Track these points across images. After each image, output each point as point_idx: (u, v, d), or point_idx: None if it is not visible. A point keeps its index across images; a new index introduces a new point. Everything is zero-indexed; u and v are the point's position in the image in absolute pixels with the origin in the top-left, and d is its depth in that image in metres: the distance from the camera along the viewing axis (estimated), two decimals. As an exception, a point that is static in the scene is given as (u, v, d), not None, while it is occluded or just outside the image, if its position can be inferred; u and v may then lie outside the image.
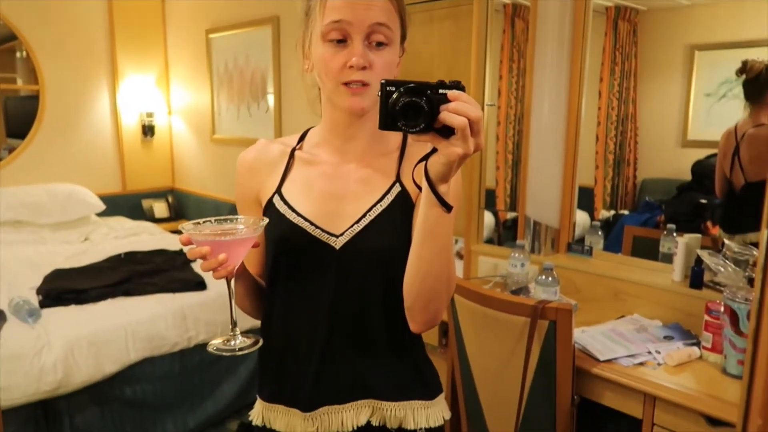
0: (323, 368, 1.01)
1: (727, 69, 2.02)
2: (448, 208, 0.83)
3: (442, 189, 0.81)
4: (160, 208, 4.69)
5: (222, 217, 0.95)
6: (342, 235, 0.99)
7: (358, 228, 0.99)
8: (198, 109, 4.51)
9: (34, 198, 3.89)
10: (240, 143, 4.08)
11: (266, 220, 0.93)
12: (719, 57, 2.16)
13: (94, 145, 4.49)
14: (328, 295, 1.00)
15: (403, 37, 1.01)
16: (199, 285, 2.81)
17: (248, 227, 0.92)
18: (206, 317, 2.69)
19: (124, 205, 4.59)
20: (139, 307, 2.62)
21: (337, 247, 0.99)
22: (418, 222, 0.87)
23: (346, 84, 0.93)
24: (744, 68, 1.93)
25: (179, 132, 4.79)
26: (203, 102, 4.43)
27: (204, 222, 0.93)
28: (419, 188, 0.86)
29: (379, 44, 0.94)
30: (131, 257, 3.28)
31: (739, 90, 2.01)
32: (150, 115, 4.65)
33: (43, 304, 2.56)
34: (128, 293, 2.72)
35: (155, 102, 4.69)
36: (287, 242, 1.00)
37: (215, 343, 0.93)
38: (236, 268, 0.92)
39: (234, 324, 0.95)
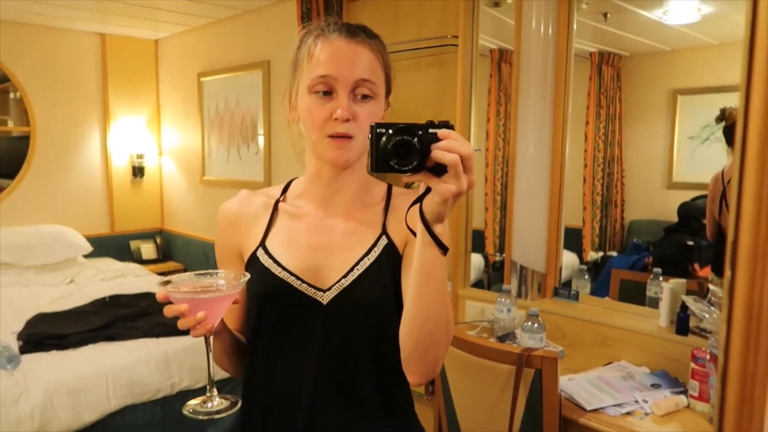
0: (311, 426, 0.98)
1: (709, 113, 2.06)
2: (444, 249, 0.82)
3: (438, 230, 0.81)
4: (148, 250, 4.66)
5: (202, 272, 0.93)
6: (329, 289, 0.97)
7: (346, 282, 0.97)
8: (188, 150, 4.54)
9: (21, 239, 3.86)
10: (230, 185, 4.09)
11: (247, 276, 0.91)
12: (701, 101, 2.21)
13: (84, 186, 4.48)
14: (316, 351, 0.97)
15: (388, 92, 1.02)
16: (185, 331, 2.76)
17: (228, 283, 0.90)
18: (190, 363, 2.64)
19: (112, 246, 4.55)
20: (121, 352, 2.57)
21: (325, 302, 0.97)
22: (414, 266, 0.85)
23: (331, 136, 0.94)
24: (723, 116, 1.96)
25: (169, 173, 4.80)
26: (194, 144, 4.45)
27: (184, 275, 0.91)
28: (413, 233, 0.84)
29: (364, 97, 0.95)
30: (116, 300, 3.24)
31: (721, 133, 2.04)
32: (140, 156, 4.66)
33: (24, 350, 2.51)
34: (111, 338, 2.68)
35: (146, 143, 4.71)
36: (272, 297, 0.99)
37: (192, 404, 0.90)
38: (215, 325, 0.90)
39: (212, 384, 0.92)
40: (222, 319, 0.95)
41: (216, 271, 0.95)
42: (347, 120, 0.93)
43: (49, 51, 4.21)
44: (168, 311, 0.86)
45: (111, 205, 4.60)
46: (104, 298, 3.26)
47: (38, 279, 3.75)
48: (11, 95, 4.21)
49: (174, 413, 2.58)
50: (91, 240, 4.21)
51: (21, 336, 2.64)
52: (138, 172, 4.66)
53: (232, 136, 4.08)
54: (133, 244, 4.63)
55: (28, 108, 4.15)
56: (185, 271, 4.58)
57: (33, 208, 4.19)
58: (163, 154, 4.82)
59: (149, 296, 3.32)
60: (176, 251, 4.74)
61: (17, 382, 2.27)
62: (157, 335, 2.72)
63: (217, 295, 0.87)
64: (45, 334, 2.64)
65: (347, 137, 0.94)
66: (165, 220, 4.89)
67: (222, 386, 2.54)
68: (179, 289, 0.87)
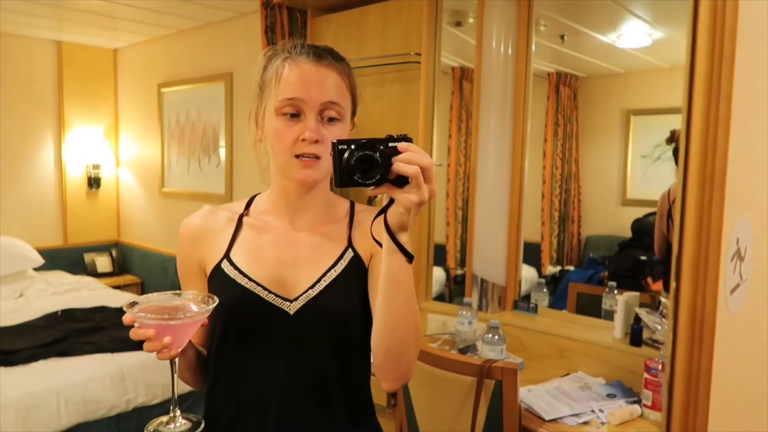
0: (280, 431, 0.98)
1: (660, 133, 2.14)
2: (409, 256, 0.86)
3: (402, 238, 0.84)
4: (103, 263, 4.53)
5: (170, 292, 0.92)
6: (296, 299, 0.99)
7: (313, 293, 0.99)
8: (147, 161, 4.46)
9: (-33, 252, 3.71)
10: (190, 197, 4.03)
11: (216, 301, 0.90)
12: (653, 122, 2.30)
13: (36, 197, 4.34)
14: (283, 361, 0.98)
15: (353, 113, 1.05)
16: (141, 344, 2.70)
17: (198, 308, 0.89)
18: (147, 378, 2.57)
19: (65, 259, 4.42)
20: (74, 368, 2.49)
21: (291, 312, 0.98)
22: (382, 274, 0.88)
23: (298, 156, 0.96)
24: (672, 137, 2.05)
25: (127, 184, 4.70)
26: (153, 155, 4.38)
27: (151, 296, 0.89)
28: (379, 244, 0.87)
29: (331, 120, 0.97)
30: (69, 315, 3.14)
31: (671, 153, 2.13)
32: (96, 166, 4.55)
33: (-31, 367, 2.41)
34: (63, 353, 2.59)
35: (103, 153, 4.61)
36: (239, 307, 0.99)
37: (154, 424, 0.89)
38: (180, 348, 0.89)
39: (175, 404, 0.91)
40: None
41: (184, 292, 0.94)
42: (315, 141, 0.95)
43: (2, 58, 4.09)
44: (134, 335, 0.85)
45: (64, 216, 4.47)
46: (56, 313, 3.16)
47: (-15, 293, 3.60)
48: (-40, 102, 4.07)
49: (129, 430, 2.51)
50: (43, 252, 4.07)
51: (-34, 352, 2.53)
52: (94, 182, 4.54)
53: (193, 147, 4.03)
54: (88, 257, 4.50)
55: (-22, 115, 4.01)
56: (142, 284, 4.48)
57: (-19, 219, 4.04)
58: (121, 165, 4.72)
59: (104, 310, 3.23)
60: (133, 264, 4.62)
61: (-38, 400, 2.17)
62: (112, 350, 2.65)
63: (184, 321, 0.86)
64: (-8, 349, 2.53)
65: (315, 158, 0.96)
66: (122, 233, 4.78)
67: (182, 400, 2.48)
68: (146, 314, 0.85)
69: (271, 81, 0.99)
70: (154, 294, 0.91)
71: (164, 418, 0.90)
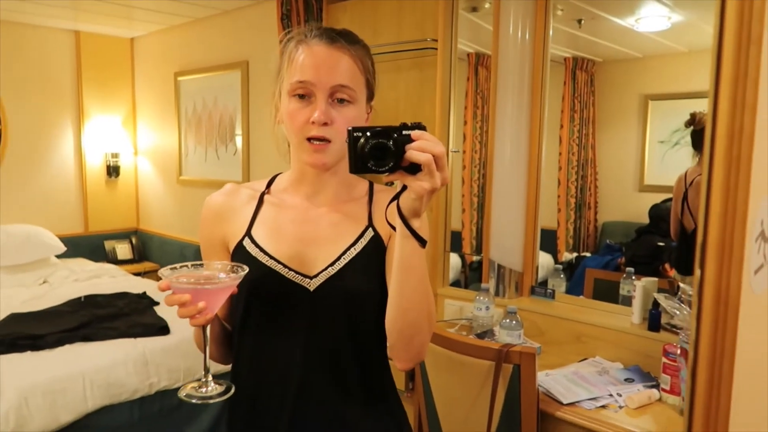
0: (299, 408, 1.01)
1: (679, 118, 2.12)
2: (422, 241, 0.88)
3: (415, 224, 0.86)
4: (123, 250, 4.60)
5: (197, 263, 0.95)
6: (316, 276, 1.01)
7: (333, 270, 1.01)
8: (165, 150, 4.50)
9: (-9, 239, 3.78)
10: (207, 185, 4.07)
11: (246, 269, 0.93)
12: (671, 107, 2.27)
13: (57, 186, 4.41)
14: (303, 336, 1.01)
15: (370, 96, 1.06)
16: (163, 329, 2.76)
17: (227, 275, 0.93)
18: (169, 363, 2.62)
19: (86, 246, 4.48)
20: (98, 352, 2.54)
21: (311, 288, 1.01)
22: (395, 258, 0.90)
23: (309, 139, 0.98)
24: (693, 120, 2.03)
25: (145, 173, 4.75)
26: (170, 143, 4.42)
27: (180, 267, 0.93)
28: (393, 228, 0.89)
29: (342, 101, 0.99)
30: (91, 301, 3.20)
31: (689, 137, 2.11)
32: (115, 155, 4.61)
33: (-3, 351, 2.47)
34: (87, 338, 2.65)
35: (121, 142, 4.66)
36: (260, 284, 1.01)
37: (187, 388, 0.93)
38: (214, 314, 0.93)
39: (207, 370, 0.94)
40: None
41: (211, 262, 0.98)
42: (324, 124, 0.96)
43: (22, 48, 4.14)
44: (169, 301, 0.88)
45: (85, 204, 4.53)
46: (79, 299, 3.22)
47: (10, 280, 3.67)
48: (-19, 92, 4.12)
49: (152, 413, 2.56)
50: (65, 240, 4.14)
51: (-6, 337, 2.59)
52: (113, 171, 4.60)
53: (210, 136, 4.06)
54: (108, 245, 4.56)
55: None
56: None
57: (5, 208, 4.11)
58: (139, 154, 4.77)
59: (126, 296, 3.28)
60: (152, 251, 4.69)
61: (-9, 383, 2.23)
62: (135, 335, 2.70)
63: (219, 286, 0.90)
64: (19, 334, 2.59)
65: (325, 141, 0.98)
66: (140, 220, 4.84)
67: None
68: (182, 280, 0.89)
69: (285, 64, 1.01)
70: (184, 264, 0.94)
71: (196, 383, 0.93)
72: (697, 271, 0.49)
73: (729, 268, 0.47)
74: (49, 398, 2.27)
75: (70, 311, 3.02)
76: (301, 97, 0.97)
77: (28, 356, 2.47)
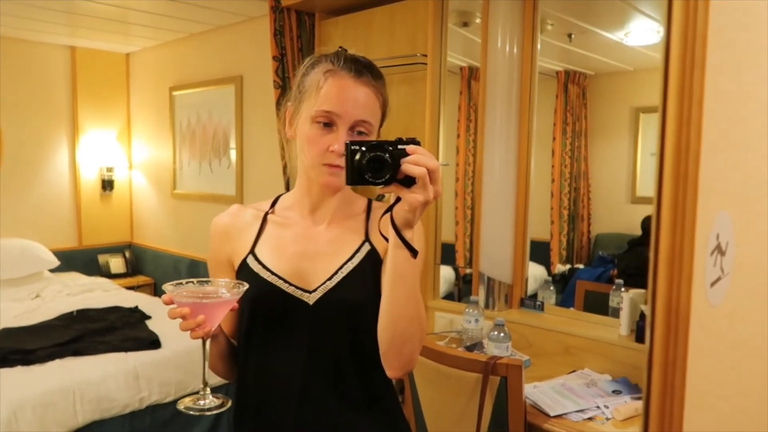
0: (300, 419, 1.04)
1: (669, 131, 2.14)
2: (413, 252, 0.91)
3: (407, 235, 0.90)
4: (117, 264, 4.60)
5: (203, 279, 0.99)
6: (315, 290, 1.05)
7: (331, 284, 1.05)
8: (159, 164, 4.52)
9: (-15, 254, 3.78)
10: (201, 199, 4.08)
11: (246, 286, 0.97)
12: (662, 119, 2.29)
13: (51, 200, 4.42)
14: (304, 349, 1.05)
15: (382, 123, 1.10)
16: (154, 343, 2.75)
17: (229, 291, 0.97)
18: (160, 377, 2.62)
19: (80, 260, 4.49)
20: (89, 367, 2.54)
21: (311, 302, 1.05)
22: (388, 268, 0.94)
23: (327, 165, 1.02)
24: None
25: (139, 187, 4.76)
26: (165, 157, 4.44)
27: (186, 283, 0.97)
28: (386, 239, 0.93)
29: (360, 133, 1.03)
30: (84, 315, 3.20)
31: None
32: (110, 169, 4.62)
33: (-13, 366, 2.46)
34: (78, 353, 2.64)
35: (116, 156, 4.68)
36: (262, 299, 1.06)
37: (186, 401, 0.96)
38: (213, 329, 0.96)
39: (205, 384, 0.97)
40: (219, 325, 1.01)
41: (217, 279, 1.04)
42: (343, 154, 0.99)
43: (18, 63, 4.17)
44: (171, 314, 0.92)
45: (79, 218, 4.54)
46: (71, 313, 3.22)
47: (2, 294, 3.66)
48: (-23, 107, 4.14)
49: (143, 428, 2.55)
50: (58, 254, 4.14)
51: (-15, 351, 2.58)
52: (107, 185, 4.61)
53: (204, 150, 4.09)
54: (102, 258, 4.57)
55: (-6, 120, 4.09)
56: (155, 285, 4.54)
57: (-2, 222, 4.12)
58: (134, 168, 4.79)
59: (118, 310, 3.28)
60: (146, 265, 4.69)
61: (-19, 398, 2.22)
62: (126, 350, 2.69)
63: (218, 300, 0.94)
64: (10, 349, 2.59)
65: (342, 167, 1.00)
66: (135, 234, 4.84)
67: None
68: (183, 293, 0.93)
69: (311, 89, 1.04)
70: (189, 280, 0.98)
71: (195, 396, 0.96)
72: (651, 283, 0.51)
73: (679, 280, 0.49)
74: (39, 412, 2.26)
75: (62, 325, 3.02)
76: (325, 125, 1.01)
77: (19, 371, 2.47)
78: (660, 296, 0.52)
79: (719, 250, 0.62)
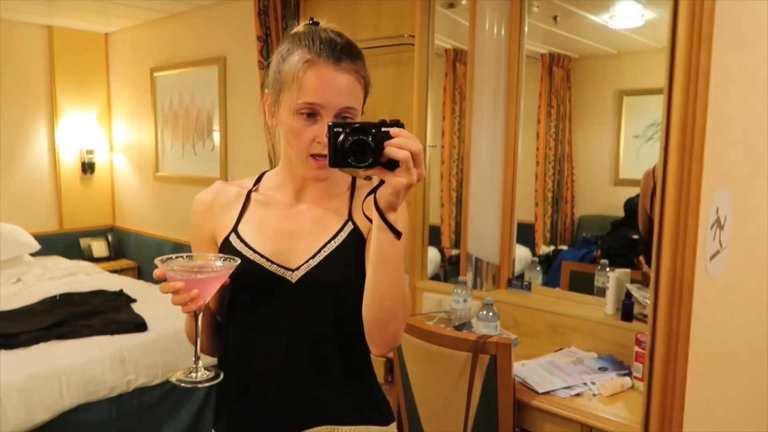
0: (281, 396, 1.05)
1: (653, 113, 2.17)
2: (397, 234, 0.91)
3: (391, 217, 0.90)
4: (99, 247, 4.54)
5: (191, 254, 0.99)
6: (298, 269, 1.05)
7: (313, 263, 1.05)
8: (141, 146, 4.45)
9: (-37, 238, 3.71)
10: (184, 181, 4.04)
11: (238, 260, 0.97)
12: (646, 102, 2.31)
13: (30, 183, 4.33)
14: (285, 326, 1.05)
15: (364, 102, 1.08)
16: (140, 326, 2.73)
17: (222, 264, 0.97)
18: (146, 360, 2.60)
19: (61, 244, 4.42)
20: (74, 350, 2.51)
21: (293, 280, 1.05)
22: (372, 249, 0.95)
23: (313, 156, 1.01)
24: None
25: (121, 169, 4.70)
26: (147, 139, 4.37)
27: (176, 257, 0.96)
28: (370, 220, 0.93)
29: (344, 118, 1.01)
30: (67, 299, 3.16)
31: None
32: (90, 152, 4.54)
33: (-30, 351, 2.43)
34: (63, 336, 2.61)
35: (96, 139, 4.59)
36: (245, 277, 1.05)
37: (177, 374, 0.96)
38: (205, 303, 0.96)
39: (197, 357, 0.98)
40: None
41: (205, 254, 1.03)
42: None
43: (-7, 42, 4.06)
44: (164, 288, 0.92)
45: (59, 201, 4.46)
46: (55, 297, 3.18)
47: (-18, 278, 3.61)
48: (-49, 88, 4.04)
49: (130, 411, 2.55)
50: (39, 238, 4.07)
51: (-34, 336, 2.54)
52: (88, 168, 4.54)
53: (187, 132, 4.03)
54: (83, 242, 4.50)
55: (-30, 101, 3.99)
56: (138, 268, 4.50)
57: (-25, 206, 4.03)
58: (115, 150, 4.71)
59: (103, 294, 3.25)
60: (129, 248, 4.64)
61: (-36, 382, 2.20)
62: (112, 333, 2.67)
63: (211, 275, 0.94)
64: (-8, 333, 2.55)
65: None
66: (117, 217, 4.78)
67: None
68: (177, 268, 0.93)
69: (291, 80, 1.00)
70: (179, 255, 0.97)
71: (187, 369, 0.97)
72: (654, 249, 0.51)
73: (684, 253, 0.50)
74: (24, 396, 2.24)
75: (44, 309, 2.98)
76: (308, 115, 0.99)
77: (2, 355, 2.43)
78: (664, 269, 0.53)
79: (718, 224, 0.63)
